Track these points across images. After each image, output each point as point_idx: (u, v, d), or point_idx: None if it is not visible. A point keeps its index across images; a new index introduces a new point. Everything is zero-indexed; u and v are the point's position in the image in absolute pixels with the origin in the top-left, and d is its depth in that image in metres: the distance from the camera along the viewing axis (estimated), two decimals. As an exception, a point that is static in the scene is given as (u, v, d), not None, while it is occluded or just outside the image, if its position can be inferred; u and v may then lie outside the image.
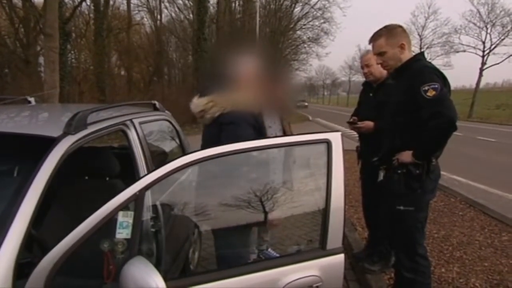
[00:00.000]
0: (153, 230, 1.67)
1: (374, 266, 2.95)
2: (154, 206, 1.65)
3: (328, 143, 1.45)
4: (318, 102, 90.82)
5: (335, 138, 1.47)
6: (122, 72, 23.68)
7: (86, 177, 2.12)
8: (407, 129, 2.13)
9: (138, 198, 1.21)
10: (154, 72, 23.70)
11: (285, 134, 2.86)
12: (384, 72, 2.64)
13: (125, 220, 1.20)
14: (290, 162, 2.18)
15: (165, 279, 1.15)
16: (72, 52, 19.18)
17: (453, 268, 3.07)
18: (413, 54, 2.25)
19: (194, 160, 1.28)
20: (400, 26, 2.27)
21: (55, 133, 1.47)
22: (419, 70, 2.08)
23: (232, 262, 2.05)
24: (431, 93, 1.95)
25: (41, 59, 16.43)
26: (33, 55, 17.21)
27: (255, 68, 2.12)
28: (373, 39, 2.27)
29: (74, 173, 2.16)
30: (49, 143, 1.42)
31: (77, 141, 1.51)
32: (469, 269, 3.06)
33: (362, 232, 3.80)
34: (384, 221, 2.53)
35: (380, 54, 2.25)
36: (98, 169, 2.14)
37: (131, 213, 1.21)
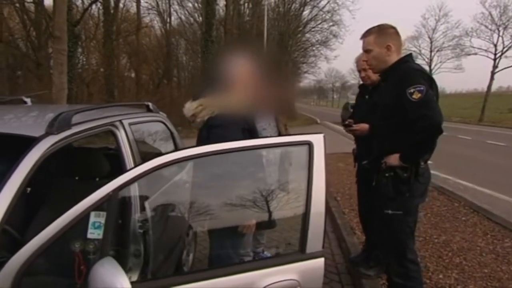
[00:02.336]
0: (140, 231, 1.67)
1: (370, 270, 2.91)
2: (142, 206, 1.65)
3: (309, 145, 1.43)
4: (328, 105, 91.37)
5: (317, 140, 1.44)
6: (132, 75, 23.89)
7: (76, 178, 2.14)
8: (395, 132, 2.10)
9: (111, 199, 1.20)
10: (164, 74, 23.84)
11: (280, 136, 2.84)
12: None
13: (97, 220, 1.19)
14: (286, 164, 2.17)
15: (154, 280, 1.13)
16: (82, 54, 19.44)
17: (451, 274, 3.00)
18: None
19: (168, 162, 1.27)
20: (393, 28, 2.22)
21: (37, 133, 1.48)
22: (405, 72, 2.05)
23: (223, 264, 2.04)
24: (416, 96, 1.92)
25: (52, 61, 16.66)
26: (44, 57, 17.44)
27: (245, 69, 2.10)
28: (364, 35, 2.24)
29: (63, 173, 2.18)
30: (31, 143, 1.43)
31: (59, 141, 1.51)
32: (468, 275, 2.99)
33: (361, 236, 3.74)
34: (377, 225, 2.49)
35: (366, 51, 2.22)
36: (88, 169, 2.15)
37: (103, 214, 1.20)
